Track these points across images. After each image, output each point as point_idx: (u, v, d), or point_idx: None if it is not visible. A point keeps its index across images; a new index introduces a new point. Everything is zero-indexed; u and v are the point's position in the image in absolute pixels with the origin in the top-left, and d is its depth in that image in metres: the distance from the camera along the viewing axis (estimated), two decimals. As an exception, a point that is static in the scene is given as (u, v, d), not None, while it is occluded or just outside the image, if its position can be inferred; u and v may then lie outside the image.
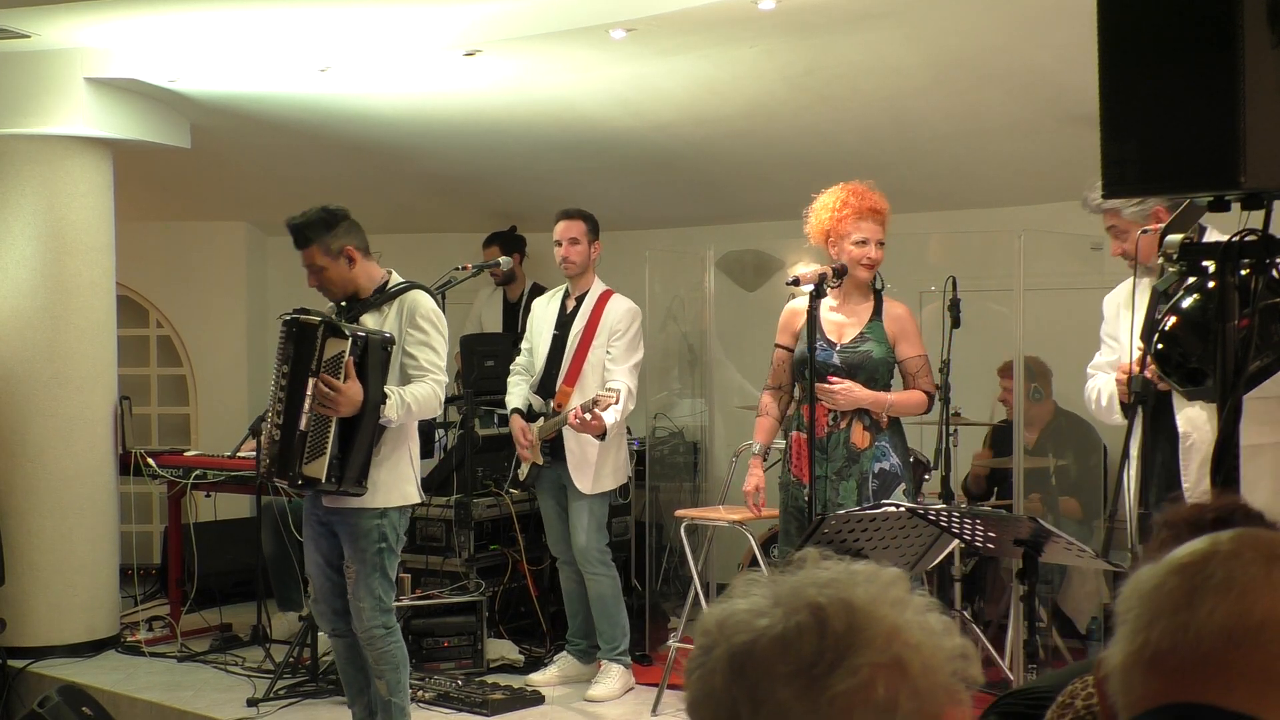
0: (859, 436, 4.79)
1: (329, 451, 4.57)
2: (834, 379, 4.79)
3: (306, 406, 4.60)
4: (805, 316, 4.92)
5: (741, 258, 7.56)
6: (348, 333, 4.57)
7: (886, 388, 4.86)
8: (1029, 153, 6.28)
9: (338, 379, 4.52)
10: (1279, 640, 1.23)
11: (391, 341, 4.67)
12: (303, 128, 7.06)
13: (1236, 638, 1.24)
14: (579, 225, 5.85)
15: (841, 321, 4.92)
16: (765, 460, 5.13)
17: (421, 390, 4.67)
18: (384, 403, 4.60)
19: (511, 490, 6.41)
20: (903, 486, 4.79)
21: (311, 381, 4.58)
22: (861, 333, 4.87)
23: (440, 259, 6.98)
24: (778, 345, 5.09)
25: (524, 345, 6.09)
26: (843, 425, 4.81)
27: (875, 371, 4.83)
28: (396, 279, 4.88)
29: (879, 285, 4.99)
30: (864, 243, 4.84)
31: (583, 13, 5.47)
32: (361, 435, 4.61)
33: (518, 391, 5.96)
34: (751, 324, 7.45)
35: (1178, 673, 1.25)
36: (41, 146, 6.50)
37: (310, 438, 4.61)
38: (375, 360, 4.61)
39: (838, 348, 4.86)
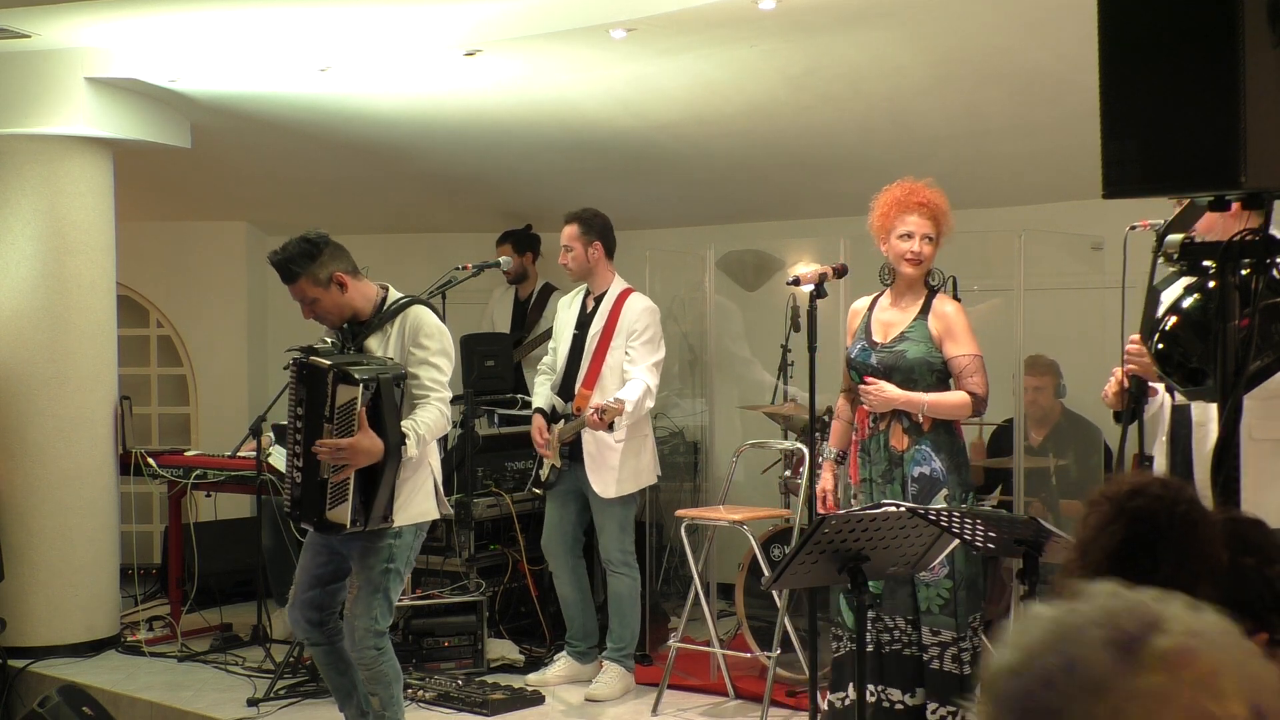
0: (898, 439, 4.67)
1: (351, 498, 4.48)
2: (869, 379, 4.71)
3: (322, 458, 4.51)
4: (861, 316, 4.86)
5: (741, 258, 7.56)
6: (358, 377, 4.43)
7: (932, 388, 4.68)
8: (1029, 153, 6.28)
9: (351, 428, 4.41)
10: None
11: (404, 376, 4.57)
12: (303, 128, 7.06)
13: None
14: (572, 230, 5.81)
15: (888, 321, 4.79)
16: (839, 464, 4.95)
17: (429, 416, 4.57)
18: (404, 443, 4.50)
19: (535, 489, 6.37)
20: (945, 492, 4.63)
21: (327, 428, 4.48)
22: (903, 332, 4.73)
23: (441, 259, 6.99)
24: (847, 348, 4.97)
25: (550, 345, 6.07)
26: (882, 427, 4.70)
27: (911, 372, 4.66)
28: (394, 294, 4.77)
29: (936, 282, 4.81)
30: (908, 236, 4.68)
31: (583, 13, 5.47)
32: (385, 478, 4.50)
33: (542, 391, 5.94)
34: (752, 324, 7.46)
35: None
36: (42, 146, 6.50)
37: (332, 485, 4.50)
38: (390, 400, 4.48)
39: (878, 347, 4.74)
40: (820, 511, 4.98)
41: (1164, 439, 4.01)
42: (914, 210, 4.67)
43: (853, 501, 4.79)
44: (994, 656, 1.40)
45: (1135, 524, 1.84)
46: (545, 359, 6.07)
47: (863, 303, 4.93)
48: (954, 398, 4.69)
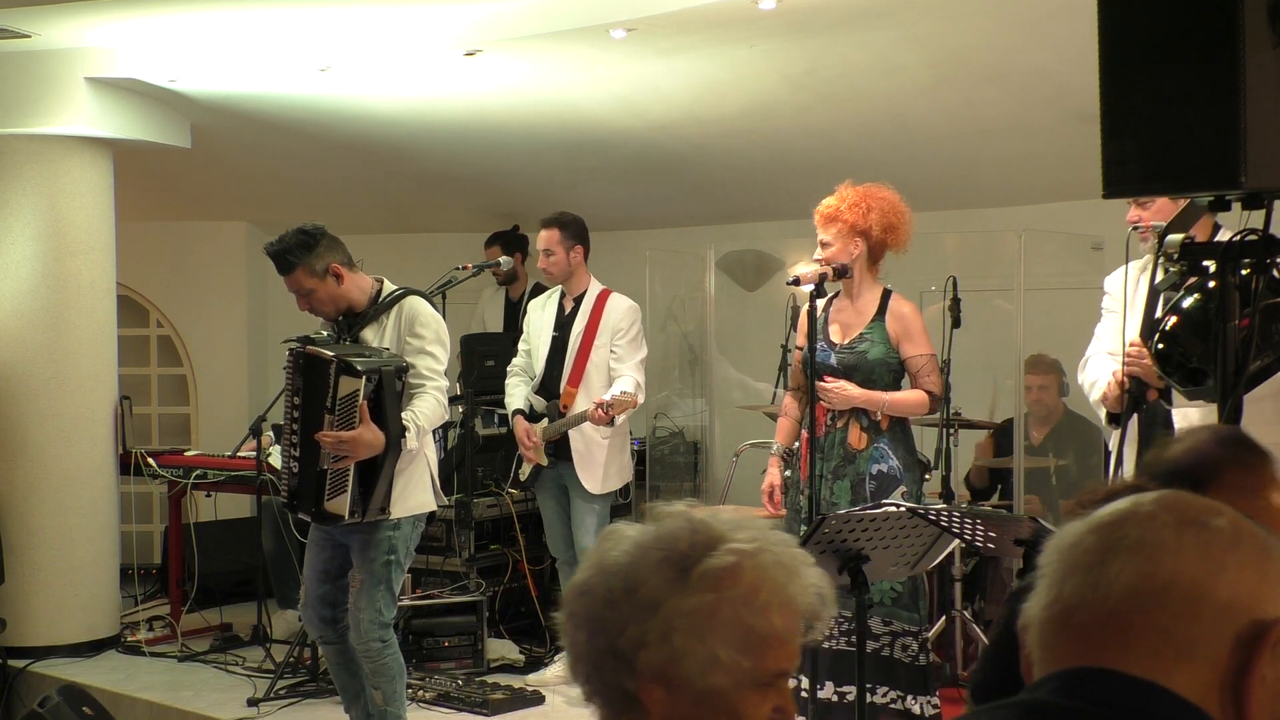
0: (855, 437, 4.74)
1: (350, 489, 4.48)
2: (829, 378, 4.78)
3: (324, 448, 4.50)
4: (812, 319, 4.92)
5: (741, 258, 7.56)
6: (361, 369, 4.42)
7: (889, 388, 4.79)
8: (1029, 152, 6.28)
9: (353, 420, 4.42)
10: (1181, 603, 1.25)
11: (405, 369, 4.57)
12: (303, 128, 7.07)
13: (1140, 598, 1.25)
14: (552, 234, 5.81)
15: (846, 322, 4.87)
16: (785, 461, 5.02)
17: (427, 406, 4.58)
18: (404, 435, 4.51)
19: (511, 490, 6.40)
20: (902, 489, 4.71)
21: (328, 419, 4.48)
22: (861, 333, 4.81)
23: (440, 259, 6.98)
24: (797, 347, 5.05)
25: (521, 346, 6.08)
26: (839, 425, 4.77)
27: (872, 372, 4.76)
28: (389, 286, 4.79)
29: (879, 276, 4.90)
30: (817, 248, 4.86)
31: (583, 13, 5.47)
32: (384, 470, 4.51)
33: (518, 393, 5.94)
34: (753, 324, 7.46)
35: (1084, 630, 1.27)
36: (42, 146, 6.50)
37: (331, 476, 4.50)
38: (391, 392, 4.49)
39: (837, 348, 4.82)
40: (766, 507, 5.04)
41: (1132, 437, 4.00)
42: (818, 223, 4.84)
43: (800, 499, 4.82)
44: (575, 574, 1.57)
45: None
46: (517, 360, 6.05)
47: (818, 305, 4.96)
48: (913, 396, 4.81)
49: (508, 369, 6.09)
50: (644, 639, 1.47)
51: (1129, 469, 4.00)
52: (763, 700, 1.49)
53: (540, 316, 5.98)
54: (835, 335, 4.86)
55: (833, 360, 4.80)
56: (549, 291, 6.05)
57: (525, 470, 5.92)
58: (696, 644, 1.46)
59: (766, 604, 1.47)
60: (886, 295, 4.86)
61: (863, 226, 4.76)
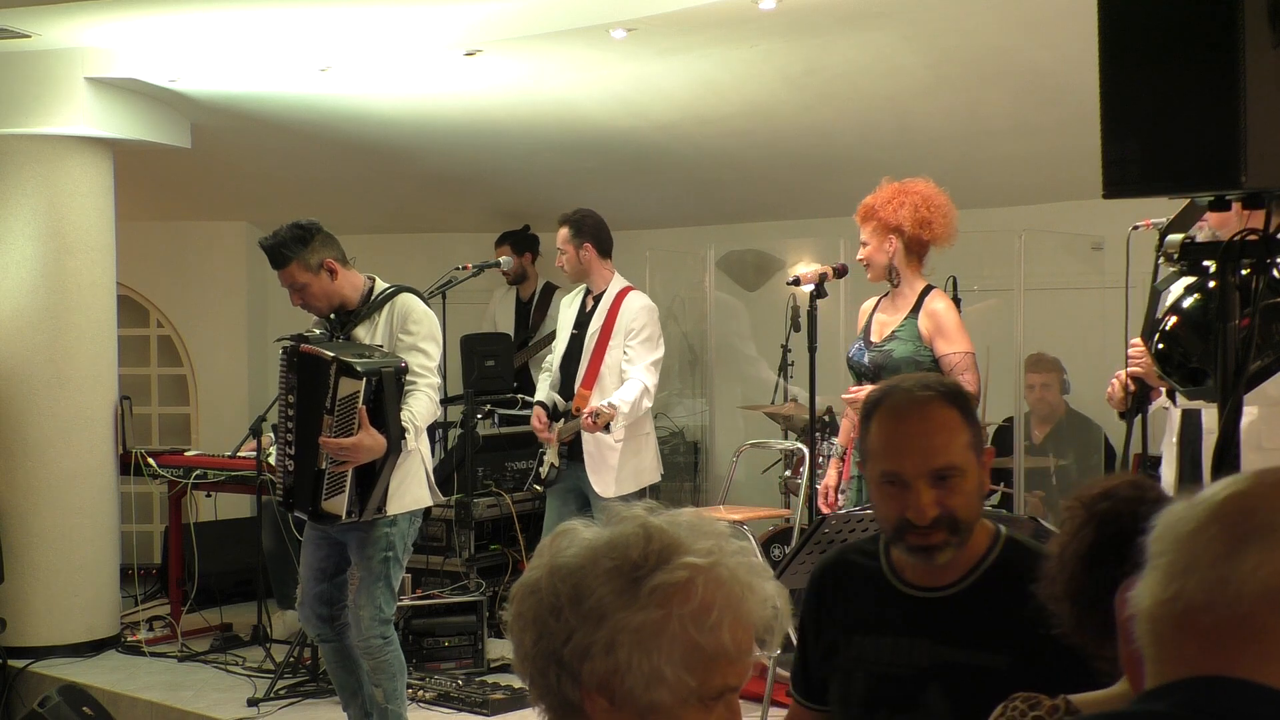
0: None
1: (348, 489, 4.48)
2: (852, 390, 4.73)
3: (323, 449, 4.49)
4: (866, 316, 4.89)
5: (742, 258, 7.56)
6: (361, 371, 4.41)
7: None
8: (1029, 153, 6.28)
9: (352, 421, 4.41)
10: None
11: (404, 370, 4.56)
12: (303, 128, 7.07)
13: (1278, 599, 1.13)
14: (563, 233, 5.77)
15: (884, 320, 4.83)
16: (843, 461, 4.97)
17: (420, 405, 4.59)
18: (404, 436, 4.51)
19: (536, 487, 6.35)
20: None
21: (326, 420, 4.47)
22: (894, 331, 4.75)
23: (442, 259, 6.99)
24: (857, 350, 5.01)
25: (554, 343, 6.07)
26: None
27: (898, 370, 4.62)
28: (381, 284, 4.80)
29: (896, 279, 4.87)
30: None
31: (583, 13, 5.47)
32: (383, 472, 4.52)
33: (543, 387, 5.94)
34: (752, 324, 7.46)
35: (1211, 633, 1.16)
36: (42, 146, 6.50)
37: (328, 476, 4.49)
38: (391, 394, 4.49)
39: (872, 346, 4.78)
40: (821, 507, 5.00)
41: (1174, 440, 4.00)
42: (857, 222, 4.79)
43: (840, 497, 4.80)
44: (527, 569, 1.53)
45: (1104, 527, 1.85)
46: (549, 357, 6.06)
47: (871, 303, 4.95)
48: None
49: (542, 365, 6.09)
50: (589, 650, 1.43)
51: (1169, 473, 3.99)
52: (708, 715, 1.46)
53: (567, 314, 5.96)
54: (874, 334, 4.82)
55: (866, 359, 4.77)
56: (577, 289, 6.00)
57: (545, 469, 5.89)
58: (642, 659, 1.42)
59: (718, 622, 1.43)
60: (925, 292, 4.78)
61: (895, 223, 4.70)
